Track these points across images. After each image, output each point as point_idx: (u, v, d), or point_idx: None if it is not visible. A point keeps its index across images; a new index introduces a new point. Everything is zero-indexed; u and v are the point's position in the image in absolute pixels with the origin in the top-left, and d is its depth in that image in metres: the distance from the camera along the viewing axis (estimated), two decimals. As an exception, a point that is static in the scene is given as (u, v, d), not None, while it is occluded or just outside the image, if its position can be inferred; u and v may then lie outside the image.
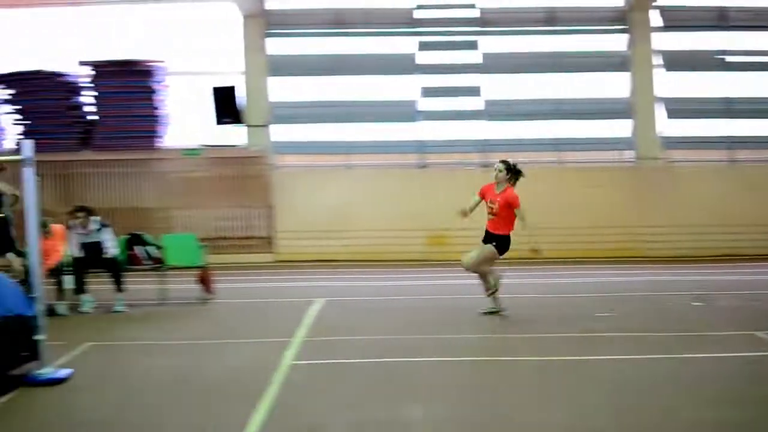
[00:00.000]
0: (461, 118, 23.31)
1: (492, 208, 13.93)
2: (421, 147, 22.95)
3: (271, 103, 23.05)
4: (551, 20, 23.28)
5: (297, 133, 23.42)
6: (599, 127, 23.66)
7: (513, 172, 14.04)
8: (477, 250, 14.17)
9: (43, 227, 14.66)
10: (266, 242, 22.78)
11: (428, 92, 23.14)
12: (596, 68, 23.62)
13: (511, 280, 18.88)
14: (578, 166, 23.15)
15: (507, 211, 13.85)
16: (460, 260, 14.42)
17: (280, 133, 23.20)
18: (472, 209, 14.16)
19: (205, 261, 17.14)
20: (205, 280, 16.94)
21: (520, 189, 21.80)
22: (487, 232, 14.17)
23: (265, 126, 22.89)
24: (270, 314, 15.43)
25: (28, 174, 10.84)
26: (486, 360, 11.62)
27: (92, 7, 24.01)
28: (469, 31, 23.26)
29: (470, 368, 11.24)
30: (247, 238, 22.86)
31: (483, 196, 14.15)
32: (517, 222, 13.95)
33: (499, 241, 13.98)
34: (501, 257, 14.19)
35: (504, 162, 14.06)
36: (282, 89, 23.26)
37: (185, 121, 23.60)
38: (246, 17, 22.96)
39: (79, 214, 16.28)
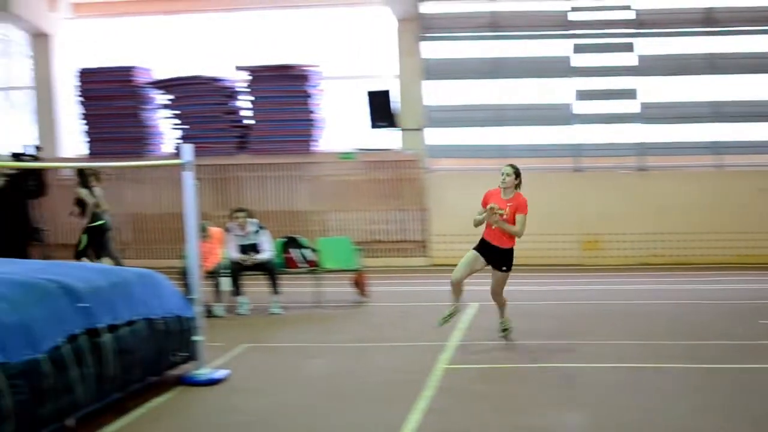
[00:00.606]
0: (617, 121, 22.93)
1: (501, 215, 12.40)
2: (576, 150, 22.67)
3: (426, 107, 23.01)
4: (709, 21, 22.74)
5: (451, 137, 23.35)
6: (759, 129, 23.04)
7: (520, 177, 12.63)
8: (492, 283, 12.91)
9: (202, 230, 14.89)
10: (420, 246, 22.75)
11: (583, 95, 22.84)
12: (755, 69, 22.99)
13: (671, 285, 18.60)
14: (737, 170, 22.58)
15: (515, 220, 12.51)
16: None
17: (434, 136, 23.15)
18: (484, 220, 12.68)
19: (360, 264, 17.21)
20: (359, 283, 17.01)
21: (680, 189, 21.42)
22: (488, 245, 12.68)
23: (419, 129, 22.88)
24: (424, 318, 15.39)
25: (188, 177, 11.01)
26: (644, 366, 11.42)
27: (248, 12, 24.33)
28: (625, 33, 22.89)
29: (628, 374, 11.08)
30: (401, 241, 22.86)
31: (485, 204, 12.62)
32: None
33: (507, 258, 12.76)
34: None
35: (512, 166, 12.66)
36: (436, 92, 23.21)
37: (340, 125, 23.75)
38: (400, 21, 22.97)
39: (239, 214, 16.51)
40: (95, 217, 17.87)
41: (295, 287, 17.22)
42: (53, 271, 9.87)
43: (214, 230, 16.85)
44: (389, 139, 23.26)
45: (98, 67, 23.94)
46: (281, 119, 22.92)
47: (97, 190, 18.14)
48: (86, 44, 25.04)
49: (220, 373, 11.16)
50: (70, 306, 9.07)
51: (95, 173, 18.30)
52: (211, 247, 16.26)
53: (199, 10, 24.42)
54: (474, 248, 12.79)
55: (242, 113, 23.49)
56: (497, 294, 13.04)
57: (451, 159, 23.22)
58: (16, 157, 15.91)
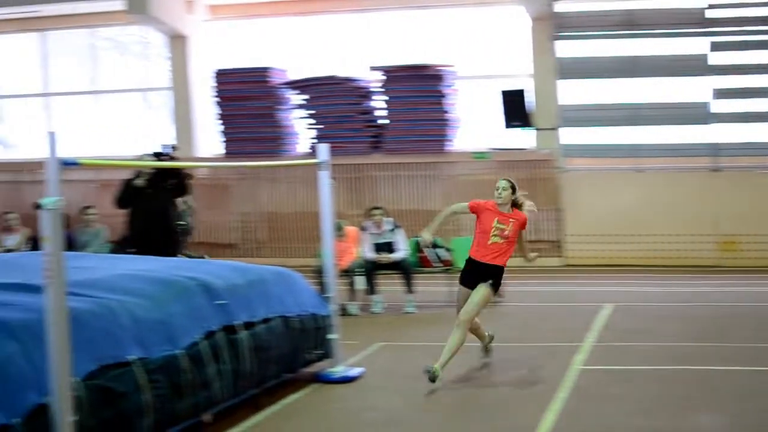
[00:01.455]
0: (755, 120, 22.47)
1: (503, 230, 11.23)
2: (714, 150, 22.26)
3: (560, 106, 22.82)
4: None
5: (586, 136, 23.12)
6: None
7: (517, 194, 11.48)
8: (472, 297, 11.18)
9: (338, 229, 15.01)
10: (554, 246, 22.54)
11: (721, 93, 22.41)
12: None
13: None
14: None
15: (516, 237, 11.38)
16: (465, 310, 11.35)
17: (568, 135, 22.94)
18: (442, 223, 12.02)
19: (494, 264, 17.13)
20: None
21: None
22: (476, 263, 11.31)
23: (553, 129, 22.70)
24: (559, 318, 15.33)
25: (324, 177, 11.13)
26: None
27: (383, 12, 24.43)
28: (764, 30, 22.42)
29: (765, 378, 10.88)
30: (535, 241, 22.54)
31: (477, 213, 11.52)
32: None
33: (497, 275, 11.29)
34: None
35: (508, 180, 11.58)
36: (571, 91, 23.00)
37: (474, 125, 23.71)
38: (534, 20, 22.83)
39: (375, 212, 16.60)
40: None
41: (429, 286, 17.23)
42: (192, 269, 10.05)
43: (350, 229, 16.96)
44: (523, 138, 23.14)
45: (234, 68, 24.26)
46: (415, 119, 22.95)
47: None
48: (222, 45, 25.41)
49: (355, 371, 11.23)
50: (208, 303, 9.24)
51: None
52: (346, 246, 16.37)
53: (334, 11, 24.59)
54: (460, 282, 11.51)
55: (376, 113, 23.58)
56: (471, 315, 11.19)
57: (586, 158, 22.99)
58: (157, 156, 16.24)
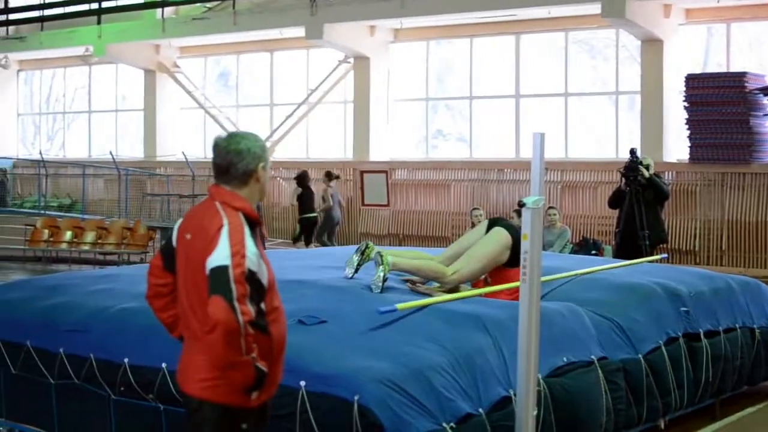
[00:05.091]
0: None
1: None
2: None
3: None
4: None
5: None
6: None
7: None
8: None
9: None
10: None
11: None
12: None
13: None
14: None
15: None
16: None
17: None
18: None
19: None
20: None
21: None
22: None
23: None
24: None
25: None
26: None
27: None
28: None
29: None
30: None
31: None
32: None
33: None
34: None
35: None
36: None
37: None
38: None
39: None
40: (310, 210, 22.59)
41: None
42: (657, 274, 10.17)
43: None
44: None
45: (706, 72, 23.94)
46: None
47: (322, 187, 23.18)
48: (696, 49, 25.10)
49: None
50: (672, 309, 9.31)
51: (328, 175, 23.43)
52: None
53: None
54: None
55: None
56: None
57: None
58: (633, 159, 16.62)
